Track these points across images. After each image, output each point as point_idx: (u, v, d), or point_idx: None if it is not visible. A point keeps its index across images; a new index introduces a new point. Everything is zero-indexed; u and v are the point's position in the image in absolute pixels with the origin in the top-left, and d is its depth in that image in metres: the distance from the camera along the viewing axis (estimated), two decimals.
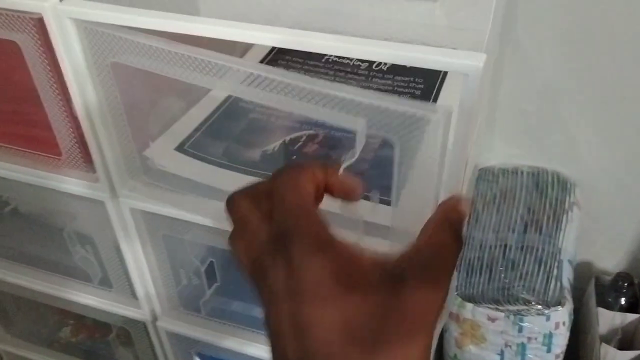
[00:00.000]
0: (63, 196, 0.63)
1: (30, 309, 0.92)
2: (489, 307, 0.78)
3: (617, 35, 0.83)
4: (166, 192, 0.60)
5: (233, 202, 0.31)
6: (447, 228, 0.29)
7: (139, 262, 0.66)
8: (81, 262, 0.72)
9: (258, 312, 0.72)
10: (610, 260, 1.06)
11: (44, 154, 0.60)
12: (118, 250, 0.66)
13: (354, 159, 0.38)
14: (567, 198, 0.94)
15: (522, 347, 0.79)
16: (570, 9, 0.83)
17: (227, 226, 0.31)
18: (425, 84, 0.74)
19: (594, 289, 1.00)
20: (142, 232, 0.63)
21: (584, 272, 1.05)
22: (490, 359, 0.82)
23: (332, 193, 0.32)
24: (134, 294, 0.71)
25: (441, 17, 0.47)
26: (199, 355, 0.77)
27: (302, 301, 0.25)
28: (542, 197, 0.94)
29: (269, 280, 0.27)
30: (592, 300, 0.99)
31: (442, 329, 0.85)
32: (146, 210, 0.60)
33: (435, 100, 0.71)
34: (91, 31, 0.48)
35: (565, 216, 0.90)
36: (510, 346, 0.79)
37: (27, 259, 0.78)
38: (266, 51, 0.81)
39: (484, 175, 1.01)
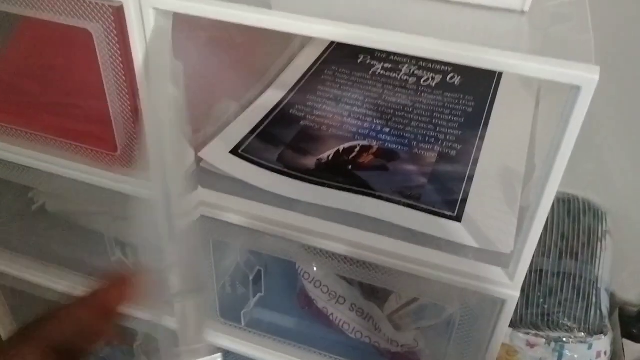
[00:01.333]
0: (109, 195, 0.61)
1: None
2: (528, 333, 0.76)
3: None
4: (220, 194, 0.58)
5: None
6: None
7: (182, 264, 0.64)
8: (118, 266, 0.69)
9: (299, 326, 0.70)
10: (635, 292, 1.05)
11: (98, 149, 0.58)
12: (160, 254, 0.64)
13: None
14: (600, 226, 0.93)
15: None
16: (608, 32, 0.83)
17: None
18: (475, 101, 0.73)
19: (618, 319, 0.99)
20: (190, 237, 0.61)
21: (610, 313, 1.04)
22: None
23: None
24: (170, 302, 0.69)
25: (532, 30, 0.46)
26: None
27: None
28: (575, 224, 0.93)
29: None
30: (617, 330, 0.98)
31: None
32: (200, 213, 0.58)
33: (488, 118, 0.70)
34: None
35: (599, 244, 0.90)
36: None
37: (57, 259, 0.76)
38: (315, 58, 0.80)
39: None
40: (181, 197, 0.59)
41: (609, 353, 0.76)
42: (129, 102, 0.53)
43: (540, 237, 0.92)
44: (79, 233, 0.75)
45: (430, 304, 0.60)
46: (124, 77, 0.51)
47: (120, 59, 0.50)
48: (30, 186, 0.73)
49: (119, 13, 0.47)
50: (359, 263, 0.55)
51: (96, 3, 0.47)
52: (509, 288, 0.50)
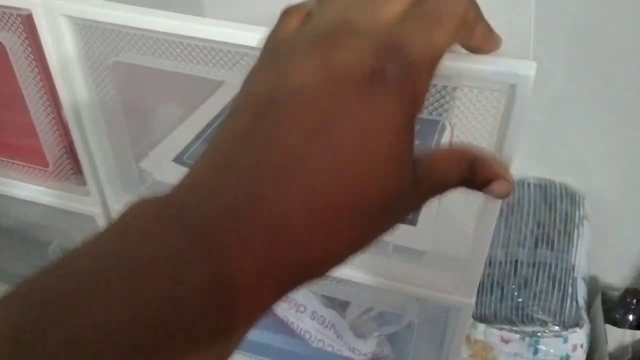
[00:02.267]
0: (50, 210, 0.58)
1: None
2: (502, 328, 0.73)
3: (631, 48, 0.80)
4: None
5: None
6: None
7: None
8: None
9: (257, 336, 0.67)
10: (616, 276, 1.03)
11: (29, 165, 0.55)
12: None
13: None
14: (577, 212, 0.91)
15: None
16: (584, 19, 0.80)
17: None
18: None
19: (601, 305, 0.97)
20: None
21: (590, 288, 1.02)
22: None
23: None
24: None
25: None
26: None
27: None
28: (552, 210, 0.91)
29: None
30: (600, 316, 0.96)
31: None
32: None
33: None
34: (90, 29, 0.43)
35: (576, 231, 0.87)
36: None
37: (8, 277, 0.72)
38: None
39: None
40: None
41: (585, 346, 0.74)
42: (53, 115, 0.49)
43: (517, 225, 0.90)
44: (31, 249, 0.72)
45: (389, 312, 0.57)
46: (43, 89, 0.48)
47: (37, 69, 0.46)
48: None
49: (29, 22, 0.43)
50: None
51: (3, 12, 0.43)
52: (464, 295, 0.47)
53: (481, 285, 0.81)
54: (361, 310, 0.60)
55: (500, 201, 0.43)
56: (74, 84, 0.47)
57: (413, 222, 0.52)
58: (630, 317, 0.95)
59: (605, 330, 0.92)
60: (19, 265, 0.73)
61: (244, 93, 0.24)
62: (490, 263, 0.84)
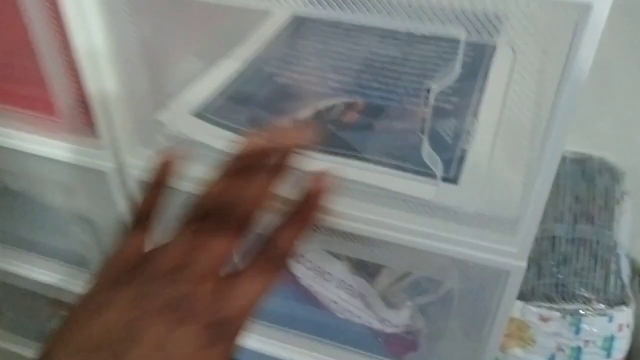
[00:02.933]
0: (59, 166, 0.54)
1: (19, 298, 0.83)
2: (541, 306, 0.68)
3: None
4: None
5: None
6: None
7: None
8: (78, 245, 0.62)
9: (281, 306, 0.63)
10: None
11: (39, 116, 0.51)
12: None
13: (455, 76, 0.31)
14: (618, 187, 0.85)
15: (577, 351, 0.69)
16: None
17: None
18: (475, 50, 0.65)
19: (639, 288, 0.92)
20: None
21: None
22: None
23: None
24: None
25: None
26: None
27: None
28: (590, 186, 0.85)
29: None
30: (638, 299, 0.90)
31: None
32: None
33: (488, 68, 0.62)
34: None
35: (617, 207, 0.82)
36: (563, 350, 0.70)
37: (18, 241, 0.69)
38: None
39: None
40: (137, 167, 0.51)
41: (631, 326, 0.68)
42: (64, 60, 0.45)
43: (553, 201, 0.84)
44: (40, 211, 0.69)
45: (426, 278, 0.53)
46: (55, 32, 0.43)
47: (48, 9, 0.42)
48: None
49: None
50: (344, 235, 0.47)
51: None
52: (514, 258, 0.42)
53: None
54: (392, 278, 0.55)
55: (560, 152, 0.38)
56: (90, 27, 0.43)
57: (454, 181, 0.47)
58: None
59: None
60: (27, 229, 0.70)
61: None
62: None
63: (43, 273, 0.69)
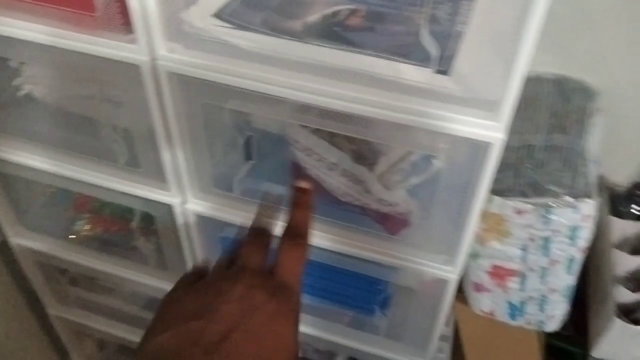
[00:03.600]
0: (95, 61, 0.60)
1: (45, 198, 0.90)
2: (517, 200, 0.77)
3: None
4: (206, 55, 0.57)
5: None
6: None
7: (172, 135, 0.64)
8: (106, 139, 0.69)
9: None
10: (625, 174, 1.06)
11: (77, 12, 0.57)
12: (149, 125, 0.64)
13: None
14: (591, 104, 0.93)
15: (547, 240, 0.79)
16: None
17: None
18: None
19: (607, 199, 1.01)
20: (179, 99, 0.61)
21: (598, 184, 1.06)
22: (513, 254, 0.82)
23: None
24: (162, 175, 0.70)
25: None
26: (225, 240, 0.76)
27: None
28: (567, 103, 0.93)
29: None
30: (605, 209, 1.00)
31: None
32: (186, 74, 0.58)
33: None
34: None
35: (589, 121, 0.90)
36: (534, 240, 0.80)
37: (43, 139, 0.75)
38: None
39: None
40: (167, 59, 0.58)
41: (595, 218, 0.78)
42: None
43: (531, 116, 0.93)
44: (70, 118, 0.75)
45: (418, 161, 0.61)
46: None
47: None
48: (6, 57, 0.72)
49: None
50: (348, 118, 0.55)
51: None
52: (494, 130, 0.50)
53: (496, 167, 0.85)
54: (388, 165, 0.63)
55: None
56: None
57: (446, 73, 0.55)
58: (635, 210, 1.00)
59: (609, 221, 0.97)
60: (53, 128, 0.76)
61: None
62: (505, 148, 0.87)
63: (69, 168, 0.75)
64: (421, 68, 0.54)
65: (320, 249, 0.69)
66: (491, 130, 0.50)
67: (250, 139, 0.65)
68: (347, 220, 0.66)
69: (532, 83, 0.98)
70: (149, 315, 1.04)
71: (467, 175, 0.55)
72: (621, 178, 1.06)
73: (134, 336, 1.05)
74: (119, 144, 0.70)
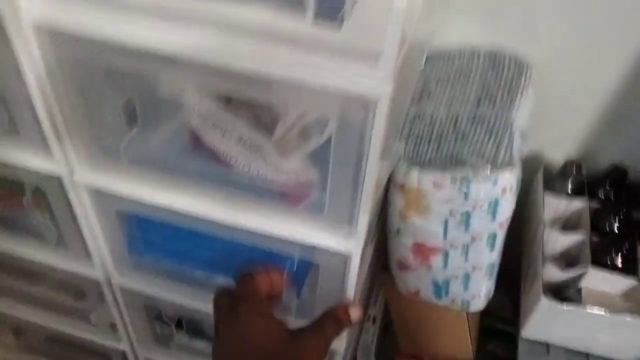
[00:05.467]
0: None
1: None
2: (435, 173, 0.74)
3: None
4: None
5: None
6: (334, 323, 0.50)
7: (48, 96, 0.58)
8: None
9: (185, 164, 0.66)
10: (559, 150, 1.04)
11: None
12: (22, 86, 0.58)
13: None
14: (523, 78, 0.90)
15: (467, 215, 0.75)
16: None
17: None
18: None
19: (542, 176, 0.99)
20: (49, 55, 0.55)
21: (532, 164, 1.03)
22: (434, 230, 0.78)
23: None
24: (45, 143, 0.64)
25: None
26: (121, 214, 0.71)
27: None
28: (498, 76, 0.90)
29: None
30: (540, 186, 0.97)
31: (387, 203, 0.82)
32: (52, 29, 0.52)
33: None
34: None
35: (520, 94, 0.87)
36: (454, 216, 0.76)
37: None
38: None
39: (439, 56, 0.95)
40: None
41: (514, 189, 0.74)
42: None
43: (460, 88, 0.89)
44: None
45: (312, 124, 0.56)
46: None
47: None
48: None
49: None
50: (240, 78, 0.50)
51: None
52: (383, 82, 0.46)
53: (419, 139, 0.81)
54: (285, 128, 0.58)
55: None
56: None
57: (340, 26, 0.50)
58: (569, 187, 0.97)
59: (543, 198, 0.94)
60: None
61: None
62: (431, 120, 0.83)
63: None
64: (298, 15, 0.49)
65: (219, 224, 0.64)
66: (376, 82, 0.46)
67: (131, 102, 0.59)
68: (247, 192, 0.62)
69: (465, 56, 0.94)
70: (62, 299, 0.98)
71: (360, 137, 0.51)
72: (557, 155, 1.04)
73: (50, 322, 0.99)
74: None
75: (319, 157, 0.59)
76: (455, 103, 0.86)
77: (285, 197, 0.62)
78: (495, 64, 0.92)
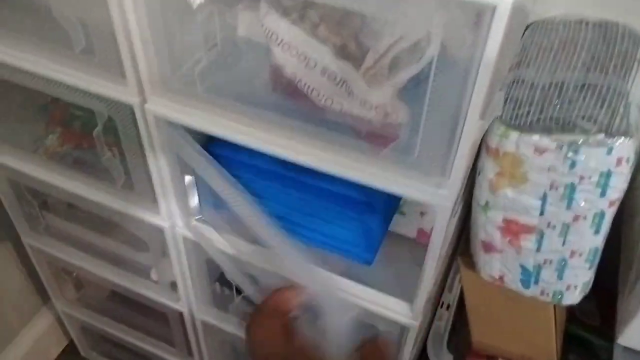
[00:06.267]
0: None
1: (20, 111, 0.83)
2: (538, 136, 0.65)
3: None
4: None
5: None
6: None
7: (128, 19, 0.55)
8: (60, 24, 0.60)
9: (264, 97, 0.61)
10: None
11: None
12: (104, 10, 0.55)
13: None
14: (638, 51, 0.79)
15: (571, 188, 0.66)
16: None
17: None
18: None
19: None
20: None
21: None
22: (530, 204, 0.69)
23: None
24: (121, 68, 0.60)
25: None
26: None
27: None
28: (610, 47, 0.80)
29: None
30: None
31: (477, 171, 0.74)
32: None
33: None
34: None
35: (636, 67, 0.76)
36: (555, 188, 0.67)
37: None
38: None
39: (541, 26, 0.86)
40: None
41: (632, 161, 0.65)
42: None
43: (566, 56, 0.80)
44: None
45: (408, 51, 0.50)
46: None
47: None
48: None
49: None
50: None
51: None
52: None
53: (518, 103, 0.72)
54: (376, 56, 0.52)
55: None
56: None
57: None
58: None
59: None
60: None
61: None
62: (532, 86, 0.75)
63: (27, 59, 0.67)
64: None
65: (295, 167, 0.59)
66: None
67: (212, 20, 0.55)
68: (329, 130, 0.56)
69: (571, 26, 0.85)
70: (126, 252, 0.96)
71: (464, 68, 0.44)
72: None
73: (112, 275, 0.97)
74: (74, 30, 0.61)
75: (411, 94, 0.52)
76: (559, 71, 0.76)
77: (371, 138, 0.55)
78: (607, 35, 0.82)
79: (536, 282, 0.78)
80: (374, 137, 0.55)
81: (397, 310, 0.69)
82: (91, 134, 0.78)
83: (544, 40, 0.84)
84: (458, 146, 0.50)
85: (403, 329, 0.71)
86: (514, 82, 0.77)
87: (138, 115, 0.64)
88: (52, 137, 0.84)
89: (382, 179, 0.55)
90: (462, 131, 0.48)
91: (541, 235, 0.72)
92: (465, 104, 0.47)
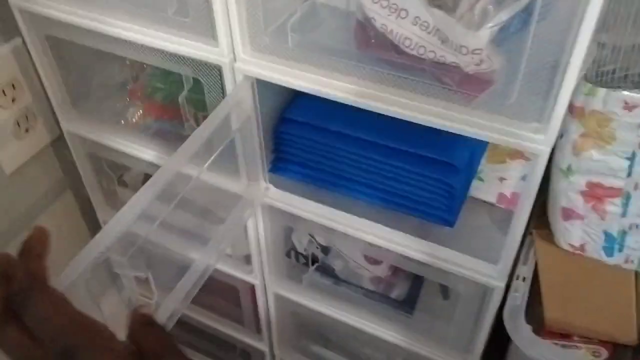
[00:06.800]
0: None
1: (100, 88, 0.86)
2: (628, 91, 0.64)
3: None
4: None
5: None
6: None
7: None
8: None
9: (352, 54, 0.62)
10: None
11: None
12: None
13: None
14: None
15: None
16: None
17: None
18: None
19: None
20: None
21: None
22: (616, 165, 0.68)
23: None
24: (213, 27, 0.62)
25: None
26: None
27: None
28: None
29: None
30: None
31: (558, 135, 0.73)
32: None
33: None
34: None
35: None
36: None
37: None
38: None
39: None
40: None
41: None
42: None
43: None
44: None
45: None
46: None
47: None
48: None
49: None
50: None
51: None
52: None
53: (601, 63, 0.71)
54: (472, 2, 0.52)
55: None
56: None
57: None
58: None
59: None
60: None
61: None
62: (613, 48, 0.73)
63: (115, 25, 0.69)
64: None
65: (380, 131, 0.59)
66: None
67: None
68: (421, 80, 0.56)
69: None
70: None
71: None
72: None
73: None
74: None
75: (507, 41, 0.52)
76: None
77: (464, 85, 0.55)
78: None
79: (620, 249, 0.76)
80: (467, 84, 0.55)
81: (483, 272, 0.68)
82: (172, 106, 0.81)
83: (621, 8, 0.82)
84: (560, 89, 0.49)
85: (485, 292, 0.71)
86: (594, 45, 0.76)
87: (227, 75, 0.66)
88: (132, 110, 0.86)
89: (476, 126, 0.55)
90: (564, 73, 0.48)
91: (627, 199, 0.71)
92: (569, 45, 0.46)
